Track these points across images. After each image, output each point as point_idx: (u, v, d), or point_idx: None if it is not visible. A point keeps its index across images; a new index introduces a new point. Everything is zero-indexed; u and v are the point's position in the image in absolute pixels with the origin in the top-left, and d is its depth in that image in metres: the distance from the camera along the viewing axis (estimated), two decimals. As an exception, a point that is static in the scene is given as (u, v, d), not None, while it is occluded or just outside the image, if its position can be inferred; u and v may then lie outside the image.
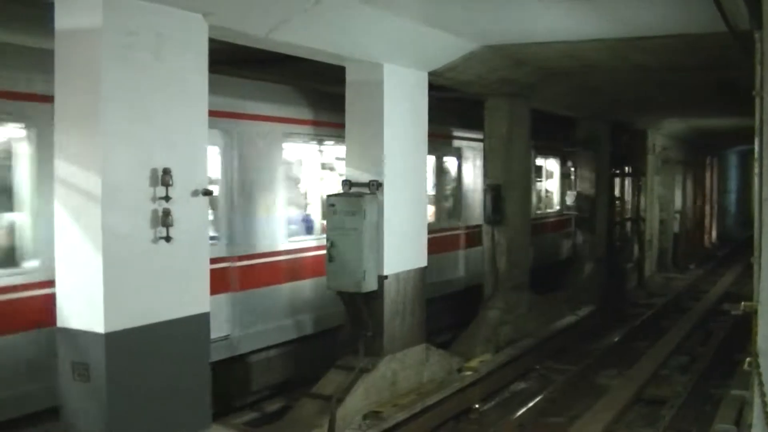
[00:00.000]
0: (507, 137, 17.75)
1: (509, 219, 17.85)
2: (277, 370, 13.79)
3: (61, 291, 8.64)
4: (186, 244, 9.14)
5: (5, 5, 9.82)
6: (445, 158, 18.96)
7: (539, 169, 24.41)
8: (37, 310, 9.48)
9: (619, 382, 15.52)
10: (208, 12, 9.22)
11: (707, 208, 43.89)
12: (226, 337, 12.35)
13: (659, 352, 17.79)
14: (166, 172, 8.74)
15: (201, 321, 9.48)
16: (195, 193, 9.26)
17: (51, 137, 8.93)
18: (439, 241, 17.45)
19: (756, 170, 8.58)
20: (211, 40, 9.50)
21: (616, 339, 19.40)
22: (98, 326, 8.33)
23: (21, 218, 9.89)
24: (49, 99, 8.87)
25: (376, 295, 12.91)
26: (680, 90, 20.13)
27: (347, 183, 13.01)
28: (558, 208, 25.59)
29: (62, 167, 8.55)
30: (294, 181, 14.91)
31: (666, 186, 32.79)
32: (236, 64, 13.58)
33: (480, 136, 18.52)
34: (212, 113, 9.78)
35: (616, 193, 26.80)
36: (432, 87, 14.26)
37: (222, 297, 12.14)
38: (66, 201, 8.54)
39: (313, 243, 14.37)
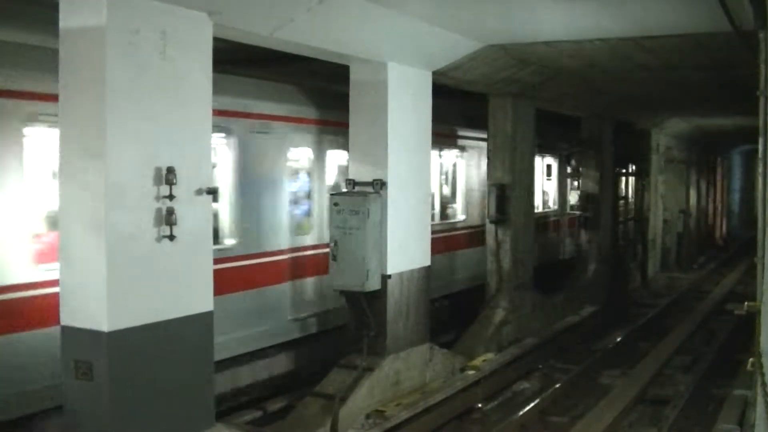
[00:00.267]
0: (511, 136, 17.75)
1: (513, 218, 17.86)
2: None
3: (64, 289, 8.63)
4: (190, 243, 9.15)
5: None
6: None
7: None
8: (236, 277, 12.35)
9: (622, 381, 15.52)
10: (213, 11, 9.22)
11: (712, 208, 44.01)
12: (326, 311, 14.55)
13: (662, 352, 17.79)
14: (170, 171, 8.74)
15: (204, 320, 9.48)
16: (199, 192, 9.26)
17: (244, 144, 12.62)
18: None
19: (760, 170, 8.58)
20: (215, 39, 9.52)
21: (619, 339, 19.38)
22: (102, 325, 8.32)
23: (222, 207, 12.43)
24: (242, 114, 12.54)
25: (380, 295, 12.91)
26: (684, 89, 20.12)
27: (351, 182, 13.01)
28: (555, 207, 25.48)
29: (67, 165, 8.55)
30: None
31: (670, 186, 32.77)
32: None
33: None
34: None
35: (620, 192, 26.79)
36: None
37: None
38: (70, 199, 8.54)
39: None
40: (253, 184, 13.04)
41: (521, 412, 13.47)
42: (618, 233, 25.95)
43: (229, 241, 12.65)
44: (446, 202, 19.20)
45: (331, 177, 15.04)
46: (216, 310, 9.72)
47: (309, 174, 14.48)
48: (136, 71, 8.48)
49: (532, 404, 13.92)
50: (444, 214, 18.91)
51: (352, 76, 13.02)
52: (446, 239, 18.10)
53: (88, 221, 8.38)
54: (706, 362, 17.03)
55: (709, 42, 13.18)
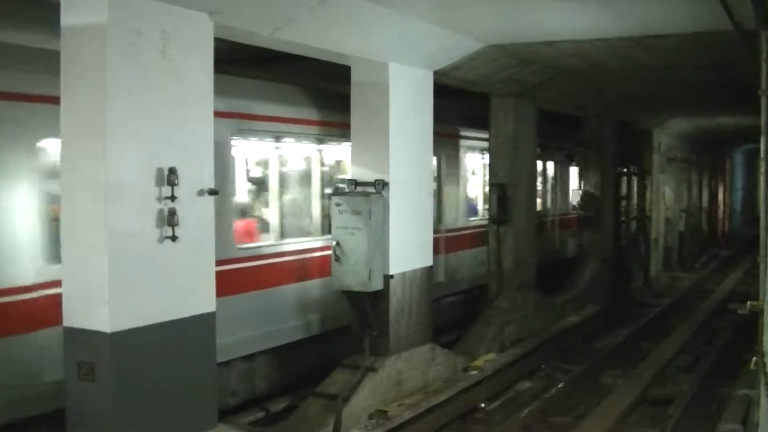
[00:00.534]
0: (513, 136, 17.75)
1: (515, 218, 17.85)
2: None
3: (66, 290, 8.63)
4: (192, 244, 9.15)
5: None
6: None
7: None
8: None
9: (624, 381, 15.52)
10: (214, 11, 9.22)
11: (714, 207, 44.09)
12: (440, 283, 17.35)
13: (665, 352, 17.79)
14: (172, 171, 8.74)
15: (207, 320, 9.48)
16: (201, 193, 9.26)
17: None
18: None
19: (762, 169, 8.59)
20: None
21: (622, 338, 19.38)
22: (104, 326, 8.32)
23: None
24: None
25: (382, 295, 12.90)
26: (685, 89, 20.11)
27: (353, 182, 13.01)
28: (550, 208, 25.42)
29: (68, 166, 8.56)
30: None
31: (671, 185, 32.77)
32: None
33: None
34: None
35: (622, 192, 26.78)
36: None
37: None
38: (72, 199, 8.54)
39: (480, 222, 19.66)
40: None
41: (524, 412, 13.49)
42: (620, 233, 25.94)
43: None
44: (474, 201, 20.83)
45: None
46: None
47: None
48: (136, 71, 8.48)
49: (534, 404, 13.94)
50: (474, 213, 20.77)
51: (353, 77, 13.02)
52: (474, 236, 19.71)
53: (90, 222, 8.38)
54: (708, 362, 17.03)
55: (710, 41, 13.17)
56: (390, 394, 12.96)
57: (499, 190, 17.65)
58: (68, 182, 8.57)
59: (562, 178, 25.84)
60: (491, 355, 16.07)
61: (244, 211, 13.90)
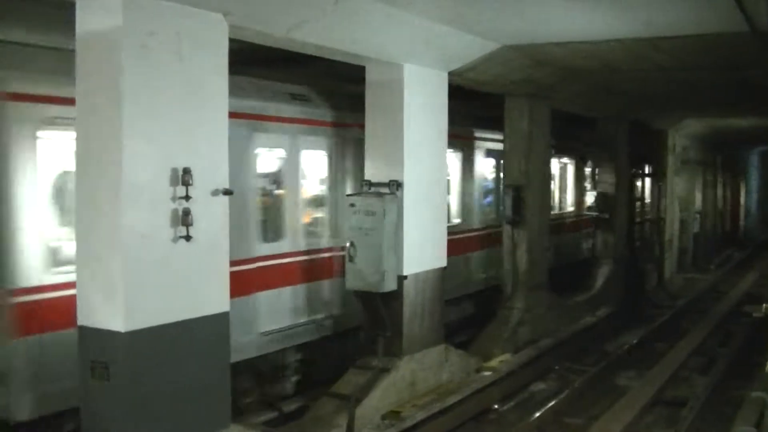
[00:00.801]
0: (527, 137, 17.73)
1: (529, 219, 17.84)
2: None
3: (81, 289, 8.66)
4: (206, 244, 9.16)
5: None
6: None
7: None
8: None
9: (638, 383, 15.47)
10: (228, 12, 9.23)
11: (729, 208, 44.05)
12: None
13: (679, 353, 17.73)
14: (186, 171, 8.76)
15: (221, 320, 9.49)
16: (215, 193, 9.27)
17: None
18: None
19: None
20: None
21: (636, 340, 19.32)
22: (118, 325, 8.34)
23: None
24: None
25: (396, 296, 12.91)
26: (700, 90, 20.05)
27: (367, 183, 13.01)
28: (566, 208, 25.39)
29: (83, 166, 8.59)
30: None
31: (686, 186, 32.67)
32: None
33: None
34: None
35: (636, 193, 26.72)
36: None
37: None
38: (87, 200, 8.57)
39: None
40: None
41: (537, 414, 13.45)
42: (634, 234, 25.88)
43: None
44: None
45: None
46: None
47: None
48: (151, 72, 8.50)
49: (548, 405, 13.90)
50: None
51: (368, 77, 13.04)
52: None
53: (105, 221, 8.40)
54: (723, 364, 16.95)
55: (724, 42, 13.13)
56: (403, 394, 12.96)
57: (513, 191, 17.64)
58: (83, 182, 8.60)
59: (575, 179, 25.78)
60: (505, 356, 16.06)
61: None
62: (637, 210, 26.62)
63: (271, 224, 13.05)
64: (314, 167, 13.98)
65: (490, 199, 20.25)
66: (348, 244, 12.57)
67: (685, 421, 13.05)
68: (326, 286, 13.87)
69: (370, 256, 12.45)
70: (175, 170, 8.73)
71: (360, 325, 13.71)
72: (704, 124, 30.88)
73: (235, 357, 10.51)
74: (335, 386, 12.59)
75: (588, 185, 26.79)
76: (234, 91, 9.96)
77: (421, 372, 13.47)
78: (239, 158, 11.54)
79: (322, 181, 14.20)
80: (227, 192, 9.42)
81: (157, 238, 8.65)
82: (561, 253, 23.04)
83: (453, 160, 17.63)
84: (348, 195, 13.00)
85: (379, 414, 12.39)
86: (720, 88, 19.57)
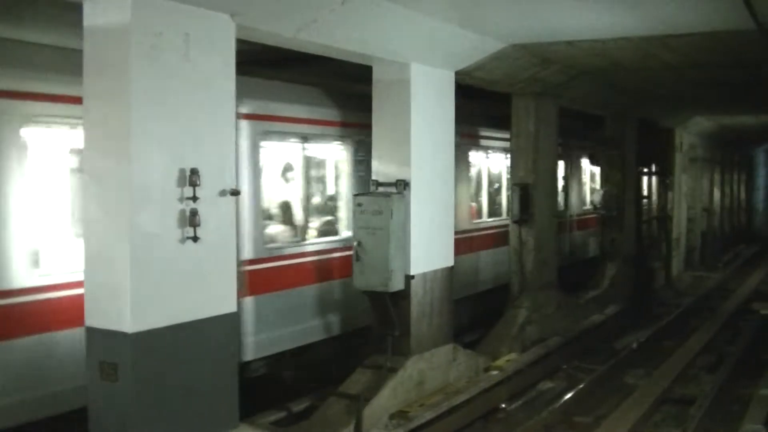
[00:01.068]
0: (534, 136, 17.72)
1: (537, 218, 17.83)
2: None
3: (89, 290, 8.66)
4: (213, 244, 9.16)
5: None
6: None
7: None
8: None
9: (646, 381, 15.46)
10: (236, 12, 9.23)
11: (736, 205, 44.05)
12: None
13: (687, 351, 17.71)
14: (194, 172, 8.75)
15: (228, 321, 9.50)
16: (223, 193, 9.27)
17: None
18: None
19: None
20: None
21: (644, 338, 19.30)
22: (126, 326, 8.35)
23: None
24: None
25: (403, 295, 12.90)
26: (708, 88, 20.04)
27: (374, 182, 13.02)
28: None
29: (90, 166, 8.60)
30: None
31: (693, 184, 32.64)
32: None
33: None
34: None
35: (644, 191, 26.70)
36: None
37: None
38: (94, 200, 8.58)
39: None
40: None
41: (545, 412, 13.45)
42: (642, 232, 25.86)
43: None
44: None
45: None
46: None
47: None
48: (159, 73, 8.50)
49: (556, 404, 13.90)
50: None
51: (375, 77, 13.02)
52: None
53: (113, 222, 8.41)
54: (731, 362, 16.93)
55: (733, 40, 13.12)
56: (411, 394, 12.96)
57: (520, 189, 17.63)
58: (90, 182, 8.60)
59: (581, 176, 25.78)
60: (513, 355, 16.05)
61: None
62: (645, 208, 26.60)
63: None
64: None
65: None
66: (355, 244, 12.57)
67: (693, 420, 13.03)
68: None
69: (378, 256, 12.44)
70: (182, 171, 8.73)
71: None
72: (712, 122, 30.88)
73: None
74: (343, 386, 12.58)
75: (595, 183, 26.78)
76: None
77: (430, 371, 13.46)
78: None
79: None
80: (234, 192, 9.42)
81: (165, 239, 8.66)
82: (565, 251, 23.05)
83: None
84: (355, 195, 12.99)
85: (387, 414, 12.38)
86: (729, 86, 19.56)
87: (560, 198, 22.47)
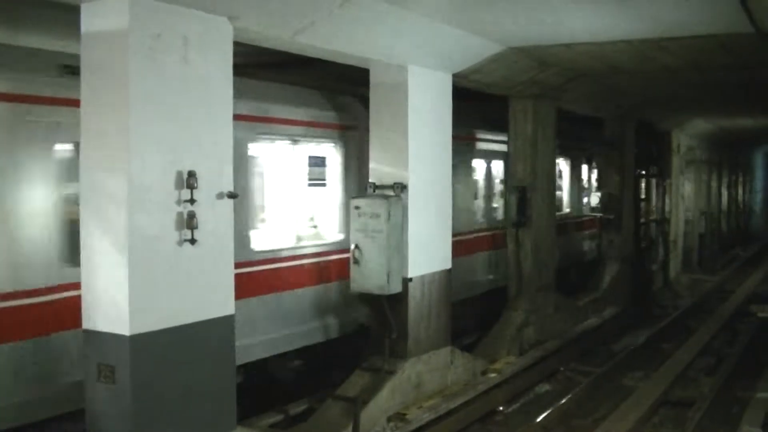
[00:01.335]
0: (532, 139, 17.71)
1: (534, 220, 17.82)
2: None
3: (86, 292, 8.66)
4: (211, 247, 9.16)
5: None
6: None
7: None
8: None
9: (644, 383, 15.45)
10: (234, 15, 9.23)
11: (734, 208, 44.08)
12: None
13: (685, 354, 17.71)
14: (192, 174, 8.75)
15: (226, 323, 9.49)
16: (220, 196, 9.26)
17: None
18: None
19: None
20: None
21: (642, 340, 19.31)
22: (124, 328, 8.34)
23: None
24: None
25: (401, 298, 12.90)
26: (707, 90, 20.05)
27: (371, 185, 13.01)
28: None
29: (88, 169, 8.59)
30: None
31: (691, 187, 32.66)
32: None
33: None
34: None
35: (641, 194, 26.72)
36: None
37: None
38: (92, 203, 8.57)
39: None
40: None
41: (543, 415, 13.44)
42: (640, 234, 25.87)
43: None
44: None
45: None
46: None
47: None
48: (158, 76, 8.49)
49: (554, 407, 13.89)
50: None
51: (372, 79, 13.02)
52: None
53: (110, 225, 8.41)
54: (729, 364, 16.94)
55: (731, 43, 13.12)
56: (409, 396, 12.96)
57: (518, 192, 17.62)
58: (88, 185, 8.59)
59: (580, 179, 25.79)
60: (511, 358, 16.06)
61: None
62: (643, 210, 26.62)
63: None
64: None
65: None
66: (353, 246, 12.56)
67: (691, 422, 13.05)
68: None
69: (375, 259, 12.44)
70: (180, 173, 8.73)
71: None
72: (711, 124, 30.90)
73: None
74: (341, 388, 12.59)
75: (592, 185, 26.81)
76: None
77: (427, 374, 13.46)
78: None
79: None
80: (232, 195, 9.41)
81: (163, 242, 8.65)
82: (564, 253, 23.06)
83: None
84: (353, 198, 12.99)
85: (385, 416, 12.39)
86: (727, 88, 19.57)
87: (559, 199, 22.53)
